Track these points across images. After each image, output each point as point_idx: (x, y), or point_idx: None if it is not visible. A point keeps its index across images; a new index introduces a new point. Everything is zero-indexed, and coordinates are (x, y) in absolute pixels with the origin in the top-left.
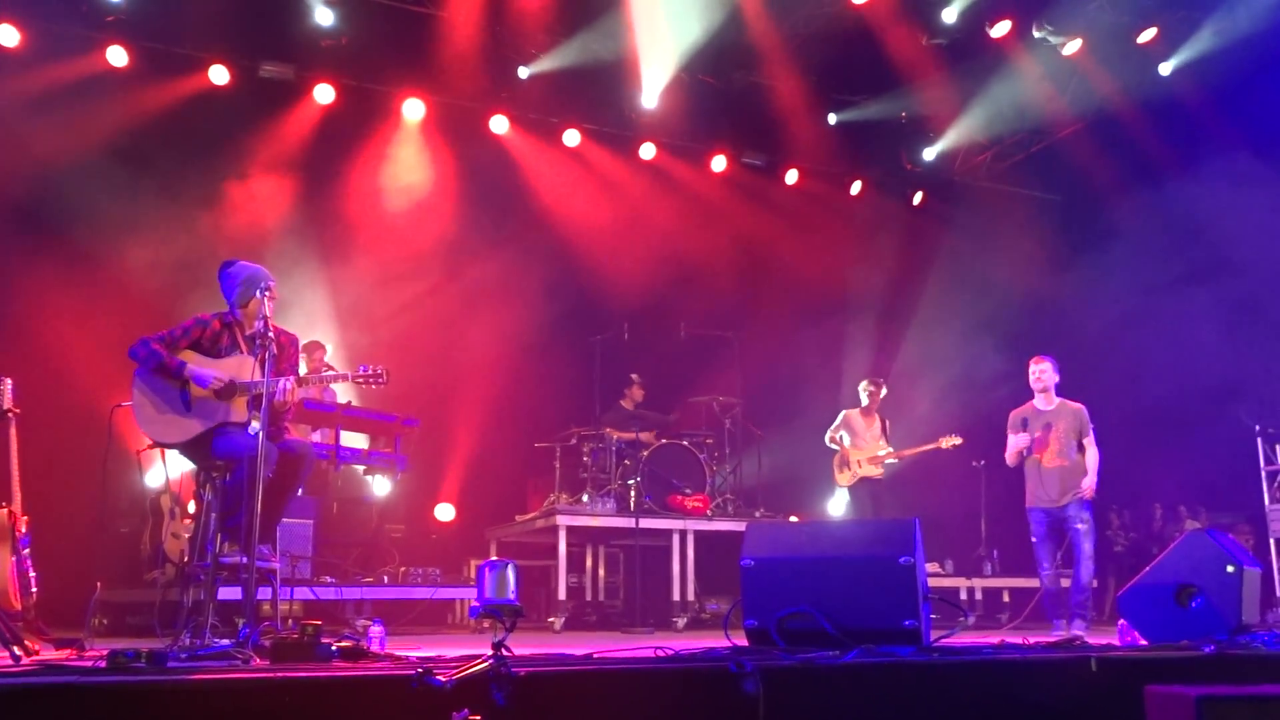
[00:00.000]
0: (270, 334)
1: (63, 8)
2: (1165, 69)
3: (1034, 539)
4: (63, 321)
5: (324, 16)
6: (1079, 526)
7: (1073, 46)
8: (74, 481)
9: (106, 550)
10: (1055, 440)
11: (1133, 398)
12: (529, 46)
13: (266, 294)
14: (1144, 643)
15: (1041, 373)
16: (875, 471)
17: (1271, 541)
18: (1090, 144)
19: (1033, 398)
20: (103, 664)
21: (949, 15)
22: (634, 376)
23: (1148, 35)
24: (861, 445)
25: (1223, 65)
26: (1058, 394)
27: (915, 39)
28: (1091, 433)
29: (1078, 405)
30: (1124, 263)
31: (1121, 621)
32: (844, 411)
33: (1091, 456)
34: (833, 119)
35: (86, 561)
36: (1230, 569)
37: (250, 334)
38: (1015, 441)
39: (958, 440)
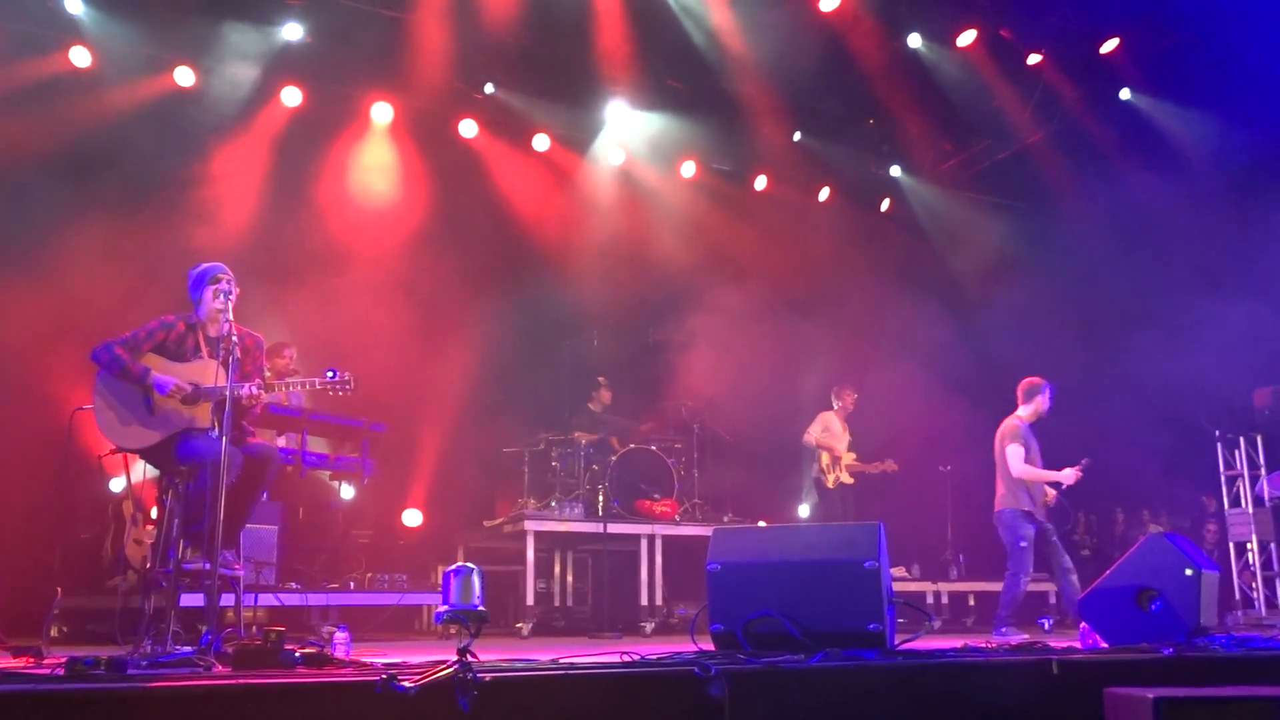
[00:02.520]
0: (234, 337)
1: (23, 5)
2: (1125, 94)
3: (1023, 544)
4: (21, 323)
5: (292, 32)
6: (1056, 539)
7: (1036, 56)
8: (34, 487)
9: (66, 556)
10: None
11: (1095, 403)
12: (498, 57)
13: (215, 286)
14: (1105, 645)
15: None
16: (849, 479)
17: (1231, 545)
18: (1055, 152)
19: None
20: (61, 671)
21: (916, 28)
22: (600, 379)
23: (1110, 45)
24: (840, 451)
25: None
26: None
27: (882, 47)
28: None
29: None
30: (1087, 269)
31: (1083, 624)
32: (823, 413)
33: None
34: (797, 136)
35: (46, 568)
36: (1189, 572)
37: (214, 336)
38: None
39: (893, 466)
